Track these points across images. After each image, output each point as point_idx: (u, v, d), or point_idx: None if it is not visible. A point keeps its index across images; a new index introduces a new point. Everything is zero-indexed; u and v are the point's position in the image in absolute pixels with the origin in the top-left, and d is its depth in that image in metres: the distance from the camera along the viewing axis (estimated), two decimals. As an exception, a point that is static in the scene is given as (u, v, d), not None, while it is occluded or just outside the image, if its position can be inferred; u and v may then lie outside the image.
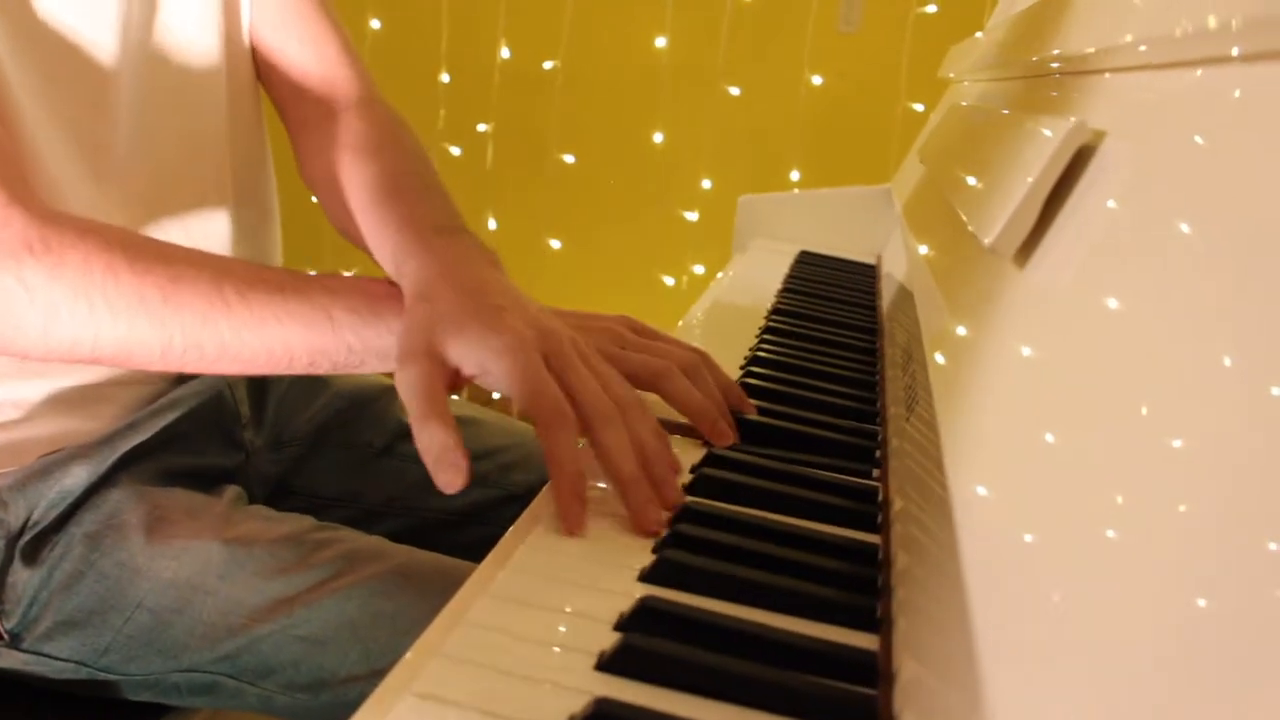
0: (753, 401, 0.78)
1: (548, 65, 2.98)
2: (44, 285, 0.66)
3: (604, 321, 0.75)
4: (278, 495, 0.98)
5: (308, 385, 1.03)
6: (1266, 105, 0.36)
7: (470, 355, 0.63)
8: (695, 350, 0.76)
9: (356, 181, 0.87)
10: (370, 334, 0.69)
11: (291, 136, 0.99)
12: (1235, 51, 0.37)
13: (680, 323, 1.10)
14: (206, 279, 0.68)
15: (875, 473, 0.71)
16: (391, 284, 0.72)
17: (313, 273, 0.73)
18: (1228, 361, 0.30)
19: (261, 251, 1.00)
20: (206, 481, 0.87)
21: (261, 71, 0.98)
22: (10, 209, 0.66)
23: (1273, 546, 0.25)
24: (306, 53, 0.97)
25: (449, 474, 0.59)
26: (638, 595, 0.50)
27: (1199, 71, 0.42)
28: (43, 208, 0.68)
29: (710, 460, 0.69)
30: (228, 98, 0.94)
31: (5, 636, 0.79)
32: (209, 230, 0.92)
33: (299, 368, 0.69)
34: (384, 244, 0.77)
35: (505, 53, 2.96)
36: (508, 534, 0.57)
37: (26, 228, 0.66)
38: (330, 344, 0.69)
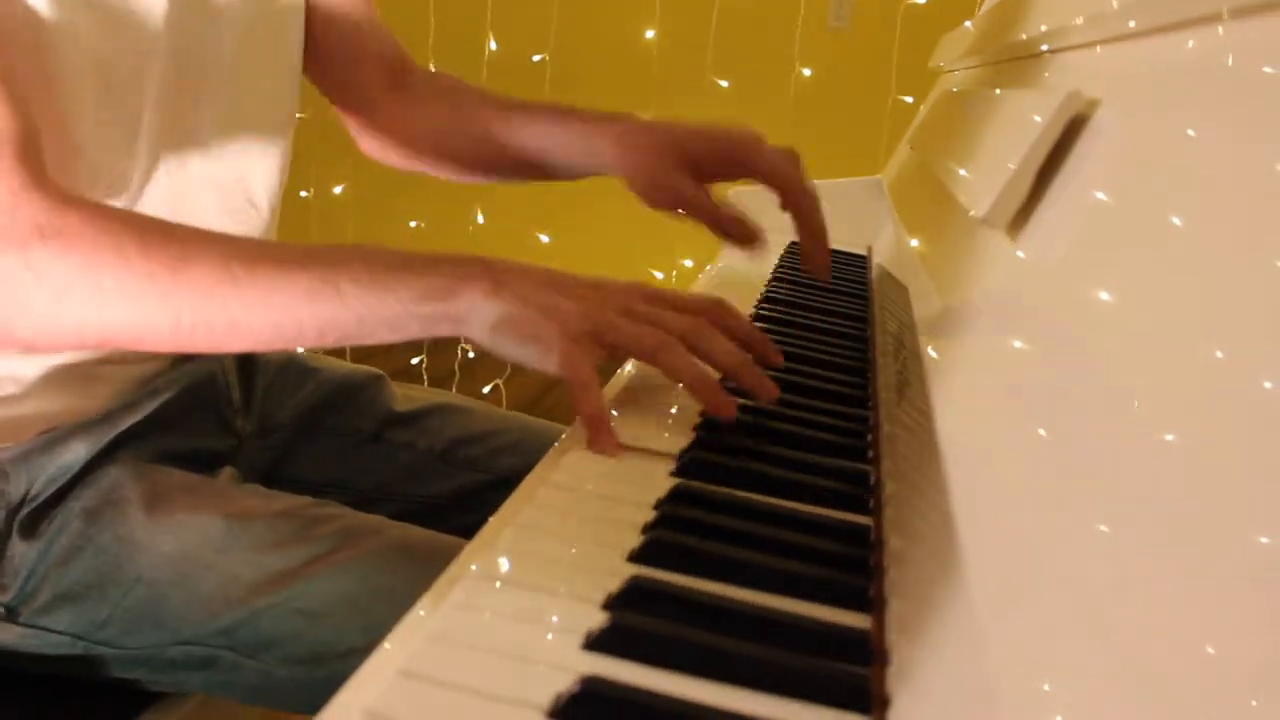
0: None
1: (536, 58, 2.97)
2: (52, 268, 0.65)
3: (611, 290, 0.73)
4: (269, 483, 0.98)
5: (294, 372, 1.03)
6: (1256, 70, 0.35)
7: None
8: (709, 306, 0.74)
9: (529, 112, 0.99)
10: (379, 305, 0.68)
11: (359, 114, 1.06)
12: (1225, 10, 0.37)
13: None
14: (213, 256, 0.68)
15: (868, 455, 0.70)
16: (396, 251, 0.71)
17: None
18: (1221, 333, 0.30)
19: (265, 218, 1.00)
20: (202, 464, 0.88)
21: (321, 50, 1.02)
22: (21, 194, 0.66)
23: (1253, 528, 0.25)
24: (363, 25, 1.03)
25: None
26: (627, 575, 0.49)
27: (1189, 41, 0.41)
28: (54, 191, 0.68)
29: (700, 443, 0.68)
30: (288, 97, 0.96)
31: (2, 610, 0.79)
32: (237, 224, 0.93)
33: (309, 341, 0.69)
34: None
35: (493, 45, 2.95)
36: (495, 515, 0.56)
37: (36, 213, 0.66)
38: (339, 315, 0.68)
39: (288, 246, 0.71)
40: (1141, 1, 0.43)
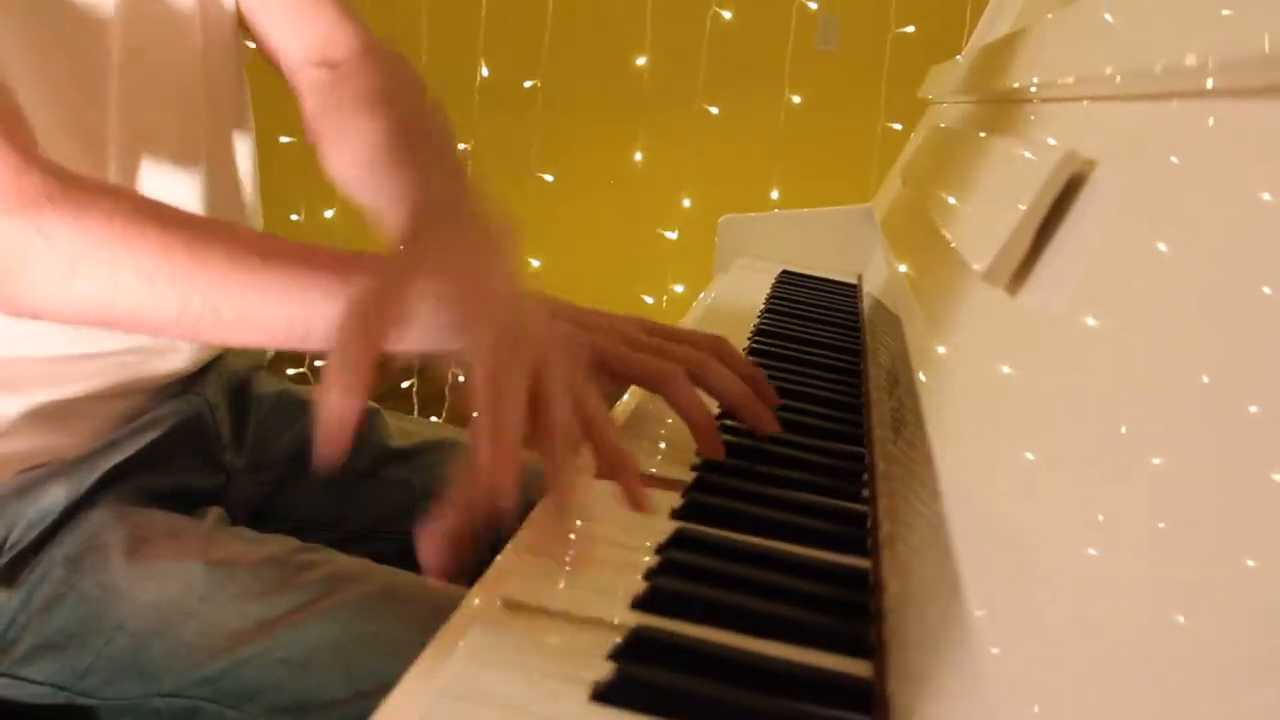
0: (738, 424, 0.78)
1: (528, 84, 2.99)
2: (65, 233, 0.63)
3: (614, 321, 0.74)
4: (259, 519, 0.97)
5: (289, 406, 1.02)
6: (1252, 138, 0.36)
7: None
8: (711, 343, 0.75)
9: (355, 140, 0.86)
10: None
11: (300, 102, 0.97)
12: (1218, 85, 0.38)
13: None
14: (232, 241, 0.66)
15: (864, 495, 0.71)
16: None
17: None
18: (1219, 388, 0.31)
19: (240, 217, 0.99)
20: (188, 503, 0.86)
21: (258, 36, 0.98)
22: (29, 159, 0.65)
23: (1250, 564, 0.25)
24: (300, 10, 0.96)
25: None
26: (630, 623, 0.50)
27: (1186, 103, 0.42)
28: (61, 168, 0.66)
29: (699, 485, 0.68)
30: (202, 56, 0.92)
31: None
32: (180, 194, 0.90)
33: (315, 343, 0.66)
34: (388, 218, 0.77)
35: (485, 71, 2.96)
36: (496, 560, 0.57)
37: (46, 179, 0.64)
38: None
39: (308, 244, 0.69)
40: (1139, 69, 0.44)
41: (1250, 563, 0.26)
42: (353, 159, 0.86)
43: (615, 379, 0.71)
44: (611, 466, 0.62)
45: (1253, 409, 0.28)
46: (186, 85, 0.91)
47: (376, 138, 0.85)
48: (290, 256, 0.67)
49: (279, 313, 0.66)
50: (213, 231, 0.67)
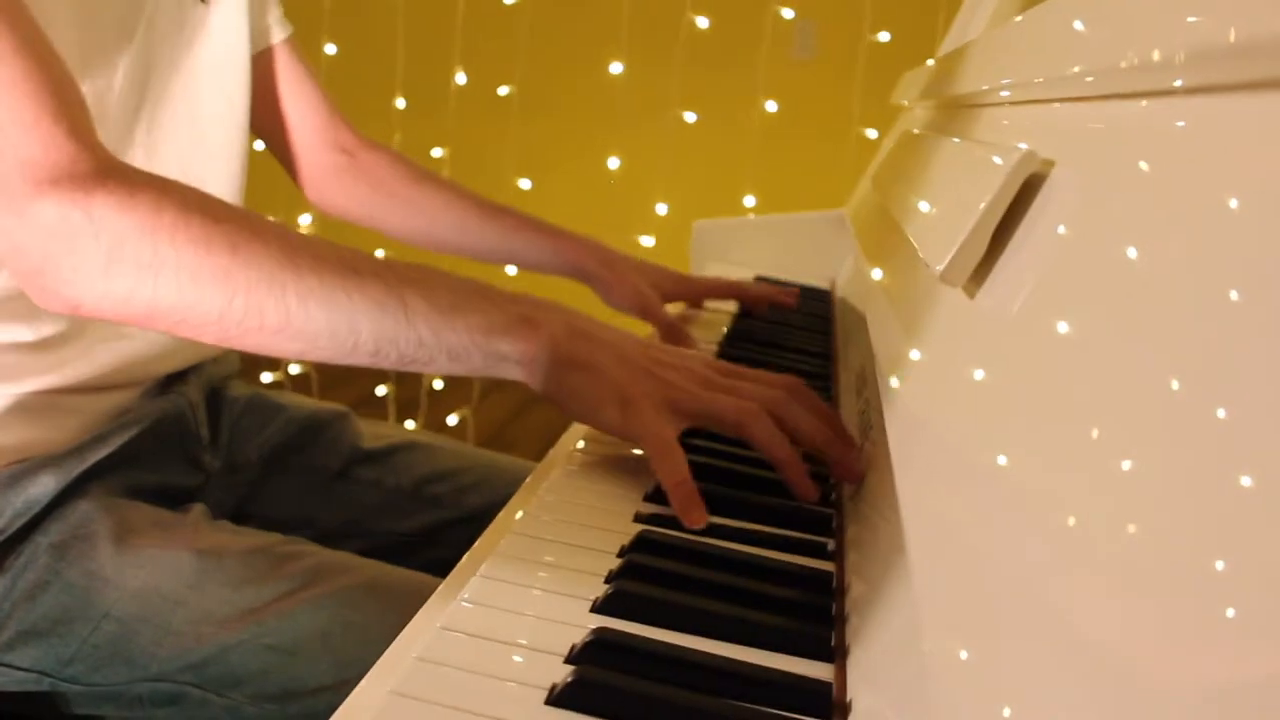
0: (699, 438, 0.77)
1: (503, 91, 2.99)
2: (112, 220, 0.62)
3: (685, 359, 0.72)
4: (237, 519, 0.97)
5: (261, 409, 1.03)
6: (1209, 136, 0.36)
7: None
8: (786, 383, 0.72)
9: (466, 200, 1.14)
10: (446, 329, 0.65)
11: (313, 177, 1.13)
12: (1178, 84, 0.38)
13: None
14: (281, 242, 0.64)
15: (830, 498, 0.71)
16: (471, 280, 0.69)
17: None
18: (1174, 387, 0.30)
19: None
20: (171, 500, 0.87)
21: (267, 123, 1.08)
22: (83, 141, 0.63)
23: (1207, 567, 0.25)
24: (310, 104, 1.10)
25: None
26: (591, 626, 0.49)
27: (1144, 103, 0.42)
28: (114, 159, 0.65)
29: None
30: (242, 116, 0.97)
31: None
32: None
33: (361, 357, 0.65)
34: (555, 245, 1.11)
35: (461, 78, 2.96)
36: (461, 563, 0.57)
37: (99, 164, 0.63)
38: (401, 333, 0.64)
39: (358, 252, 0.67)
40: (1099, 70, 0.44)
41: (1207, 565, 0.26)
42: (454, 222, 1.14)
43: (692, 419, 0.69)
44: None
45: (1211, 410, 0.28)
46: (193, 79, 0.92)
47: (472, 200, 1.14)
48: (341, 262, 0.65)
49: (324, 321, 0.64)
50: (264, 230, 0.65)
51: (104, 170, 0.63)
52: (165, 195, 0.63)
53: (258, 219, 0.66)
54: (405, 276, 0.66)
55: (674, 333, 1.08)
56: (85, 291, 0.63)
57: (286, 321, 0.64)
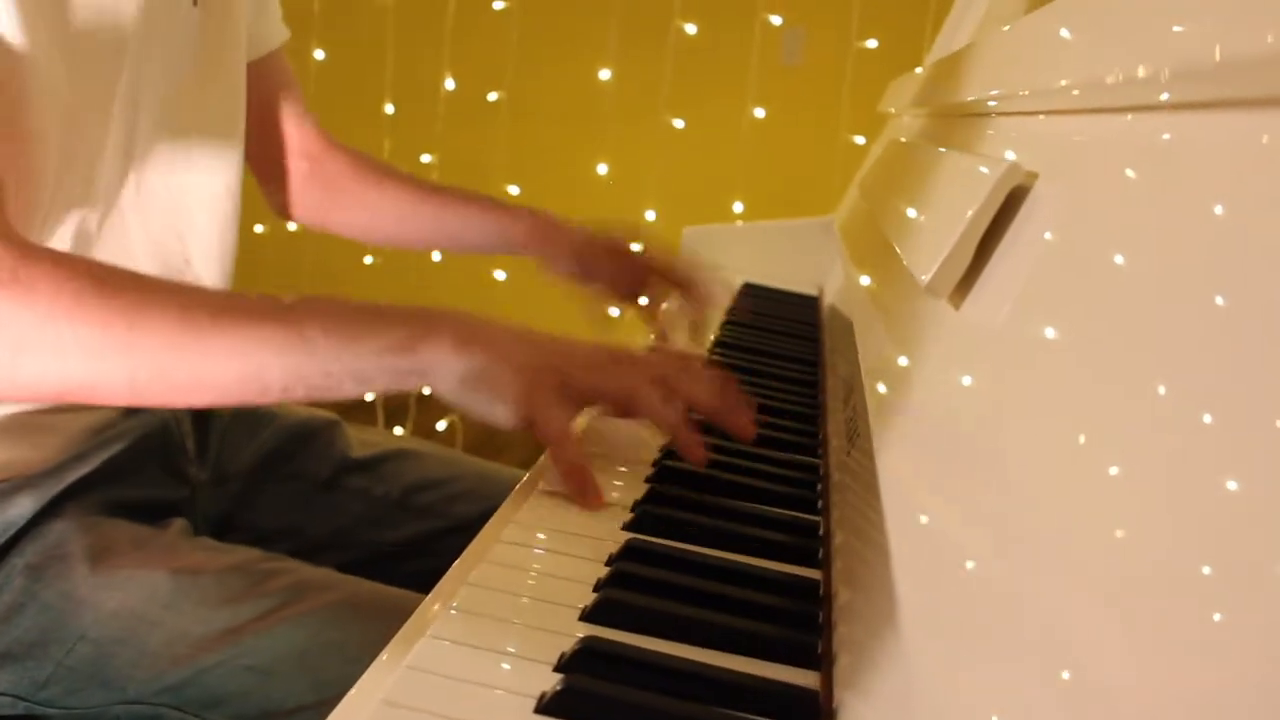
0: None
1: (492, 97, 2.99)
2: (12, 318, 0.63)
3: (578, 345, 0.74)
4: (222, 530, 0.97)
5: (250, 419, 1.02)
6: (1190, 151, 0.37)
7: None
8: (676, 358, 0.77)
9: (405, 189, 1.15)
10: (348, 355, 0.67)
11: (278, 184, 1.14)
12: (1163, 98, 0.38)
13: (625, 355, 1.10)
14: (176, 305, 0.66)
15: (818, 506, 0.71)
16: (363, 303, 0.71)
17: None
18: (1157, 397, 0.31)
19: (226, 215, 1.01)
20: (152, 514, 0.86)
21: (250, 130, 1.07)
22: None
23: (1188, 573, 0.26)
24: (291, 111, 1.11)
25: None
26: (579, 635, 0.50)
27: (1129, 116, 0.43)
28: (20, 241, 0.66)
29: (653, 496, 0.69)
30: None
31: None
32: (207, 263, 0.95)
33: (273, 395, 0.67)
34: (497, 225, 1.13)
35: (450, 84, 2.96)
36: (449, 572, 0.57)
37: (4, 258, 0.63)
38: (306, 367, 0.67)
39: (250, 297, 0.69)
40: (1085, 83, 0.45)
41: (1187, 573, 0.26)
42: (392, 211, 1.15)
43: (584, 401, 0.72)
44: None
45: (1193, 419, 0.28)
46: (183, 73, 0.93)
47: (412, 186, 1.15)
48: (239, 311, 0.67)
49: (232, 371, 0.66)
50: (159, 295, 0.66)
51: (8, 264, 0.63)
52: (63, 280, 0.64)
53: (153, 283, 0.68)
54: (302, 311, 0.68)
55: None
56: None
57: (194, 379, 0.66)
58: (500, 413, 0.68)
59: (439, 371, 0.68)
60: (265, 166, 1.13)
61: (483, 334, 0.69)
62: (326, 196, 1.15)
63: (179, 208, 0.91)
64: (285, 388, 0.67)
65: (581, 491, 0.67)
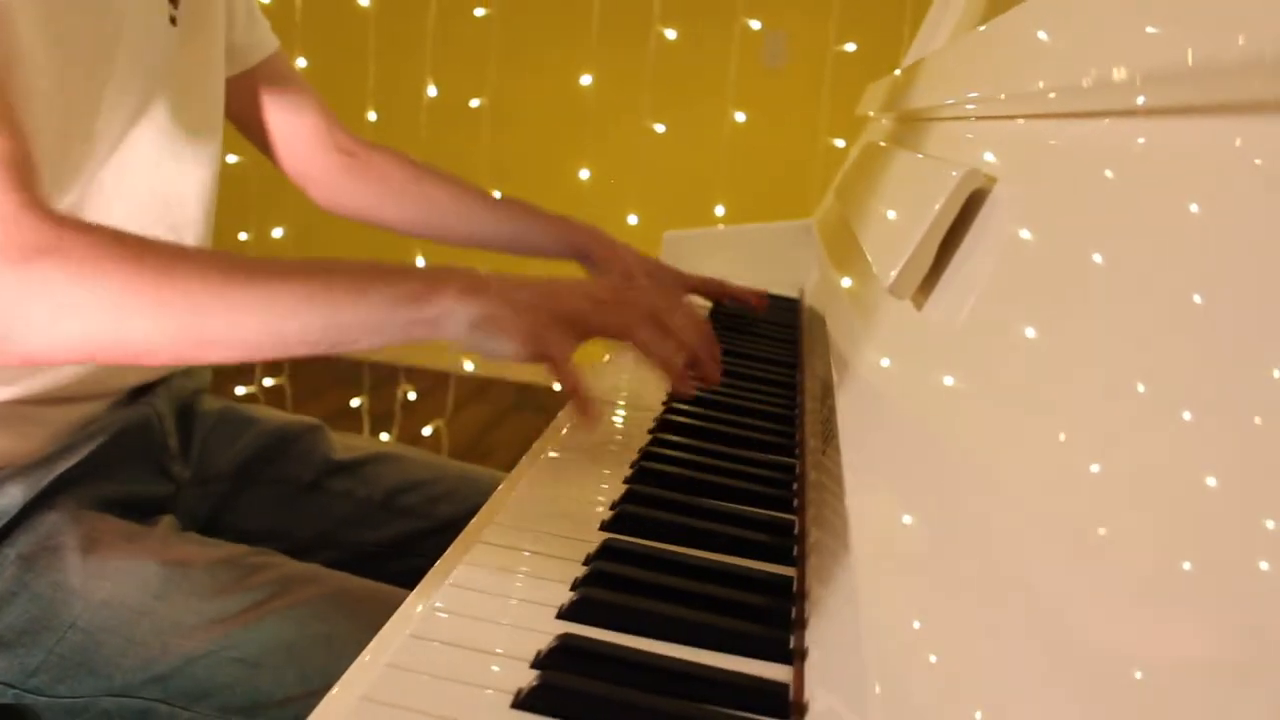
0: (674, 438, 0.79)
1: (474, 103, 3.00)
2: (52, 283, 0.66)
3: (575, 282, 0.79)
4: (207, 530, 0.98)
5: (232, 421, 1.04)
6: (1149, 154, 0.38)
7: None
8: (670, 296, 0.83)
9: (470, 192, 1.22)
10: (364, 307, 0.71)
11: (315, 180, 1.17)
12: (1140, 102, 0.39)
13: (607, 357, 1.12)
14: (199, 267, 0.69)
15: (793, 505, 0.73)
16: (373, 262, 0.75)
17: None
18: (1117, 396, 0.32)
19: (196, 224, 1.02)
20: (141, 511, 0.87)
21: (269, 134, 1.13)
22: (21, 213, 0.67)
23: (1186, 566, 0.26)
24: (308, 109, 1.15)
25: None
26: (557, 632, 0.51)
27: (1089, 121, 0.44)
28: (50, 210, 0.69)
29: (631, 496, 0.70)
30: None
31: None
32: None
33: (292, 348, 0.70)
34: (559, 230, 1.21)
35: (432, 91, 2.97)
36: (431, 571, 0.58)
37: (35, 230, 0.66)
38: (324, 320, 0.70)
39: (266, 259, 0.73)
40: (1052, 89, 0.46)
41: (1153, 571, 0.27)
42: (452, 206, 1.21)
43: (586, 334, 0.76)
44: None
45: (1155, 416, 0.29)
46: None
47: (471, 186, 1.22)
48: (267, 271, 0.70)
49: (265, 326, 0.69)
50: (190, 257, 0.70)
51: (46, 232, 0.67)
52: (96, 244, 0.67)
53: (177, 249, 0.72)
54: (316, 269, 0.72)
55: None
56: (37, 346, 0.67)
57: (220, 335, 0.68)
58: (510, 349, 0.72)
59: (450, 319, 0.71)
60: (297, 165, 1.16)
61: (487, 283, 0.73)
62: (383, 192, 1.20)
63: (165, 203, 0.93)
64: (303, 340, 0.70)
65: (582, 409, 0.74)
